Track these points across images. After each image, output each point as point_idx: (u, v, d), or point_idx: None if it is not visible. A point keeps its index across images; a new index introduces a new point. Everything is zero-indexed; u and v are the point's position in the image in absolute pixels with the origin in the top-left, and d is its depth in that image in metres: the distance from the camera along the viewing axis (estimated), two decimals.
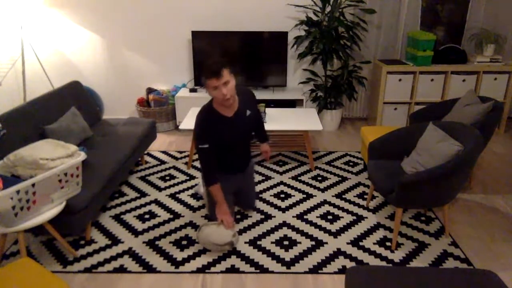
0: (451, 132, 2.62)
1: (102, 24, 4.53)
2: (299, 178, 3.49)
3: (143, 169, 3.67)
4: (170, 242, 2.63)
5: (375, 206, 3.05)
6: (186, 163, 3.78)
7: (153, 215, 2.95)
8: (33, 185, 2.12)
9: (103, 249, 2.57)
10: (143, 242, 2.64)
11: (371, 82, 4.71)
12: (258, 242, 2.63)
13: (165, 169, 3.66)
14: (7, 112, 2.71)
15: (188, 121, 3.59)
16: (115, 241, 2.65)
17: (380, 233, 2.72)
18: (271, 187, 3.33)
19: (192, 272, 2.37)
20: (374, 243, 2.62)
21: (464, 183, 2.47)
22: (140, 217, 2.92)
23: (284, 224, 2.82)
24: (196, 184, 3.38)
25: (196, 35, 4.38)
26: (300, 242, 2.63)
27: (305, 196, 3.20)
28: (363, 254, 2.52)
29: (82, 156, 2.42)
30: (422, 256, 2.50)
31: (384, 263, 2.44)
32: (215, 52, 4.44)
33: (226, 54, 4.45)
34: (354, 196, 3.19)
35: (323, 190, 3.29)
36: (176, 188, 3.32)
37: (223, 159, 2.64)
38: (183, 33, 4.57)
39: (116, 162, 2.93)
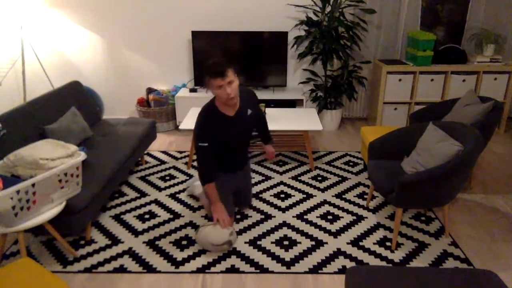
0: (451, 132, 2.62)
1: (102, 24, 4.53)
2: (299, 178, 3.49)
3: (143, 169, 3.67)
4: (170, 242, 2.63)
5: (375, 206, 3.05)
6: (186, 163, 3.78)
7: (153, 215, 2.95)
8: (33, 185, 2.12)
9: (103, 249, 2.57)
10: (143, 242, 2.64)
11: (371, 82, 4.71)
12: (258, 242, 2.63)
13: (165, 169, 3.66)
14: (7, 112, 2.71)
15: (188, 121, 3.59)
16: (115, 241, 2.65)
17: (380, 233, 2.72)
18: (271, 187, 3.33)
19: (192, 272, 2.37)
20: (374, 243, 2.62)
21: (464, 183, 2.47)
22: (140, 217, 2.92)
23: (284, 224, 2.82)
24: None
25: (196, 35, 4.38)
26: (300, 242, 2.63)
27: (305, 196, 3.20)
28: (363, 254, 2.52)
29: (82, 156, 2.42)
30: (422, 256, 2.50)
31: (384, 263, 2.44)
32: (215, 52, 4.44)
33: (226, 54, 4.45)
34: (354, 196, 3.19)
35: (323, 190, 3.29)
36: (176, 188, 3.32)
37: (222, 158, 2.65)
38: (183, 33, 4.57)
39: (116, 162, 2.93)
